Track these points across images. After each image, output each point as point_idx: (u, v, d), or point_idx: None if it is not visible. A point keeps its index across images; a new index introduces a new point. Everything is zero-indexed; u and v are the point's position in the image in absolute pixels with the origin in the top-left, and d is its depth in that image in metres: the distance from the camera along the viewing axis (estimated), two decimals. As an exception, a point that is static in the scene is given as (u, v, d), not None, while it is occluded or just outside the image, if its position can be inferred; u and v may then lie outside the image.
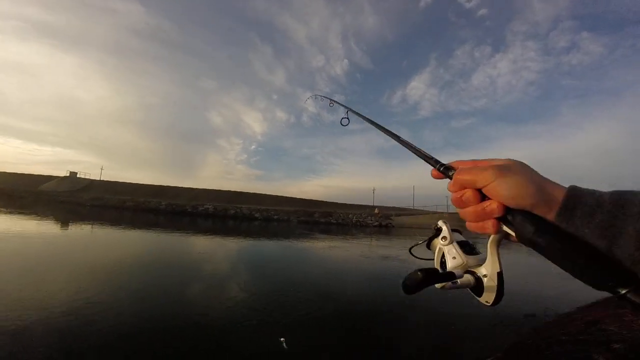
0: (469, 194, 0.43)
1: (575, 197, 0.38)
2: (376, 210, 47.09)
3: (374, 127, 0.82)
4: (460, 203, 0.45)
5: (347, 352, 3.97)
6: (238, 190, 64.41)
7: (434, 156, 0.53)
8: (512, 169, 0.41)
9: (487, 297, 0.48)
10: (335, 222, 36.14)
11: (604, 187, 0.40)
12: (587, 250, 0.36)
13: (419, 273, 0.48)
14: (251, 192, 64.55)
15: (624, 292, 0.33)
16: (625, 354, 3.00)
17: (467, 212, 0.44)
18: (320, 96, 1.75)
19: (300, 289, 6.66)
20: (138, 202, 42.75)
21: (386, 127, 0.76)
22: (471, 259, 0.52)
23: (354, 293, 6.69)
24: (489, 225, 0.43)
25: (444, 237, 0.55)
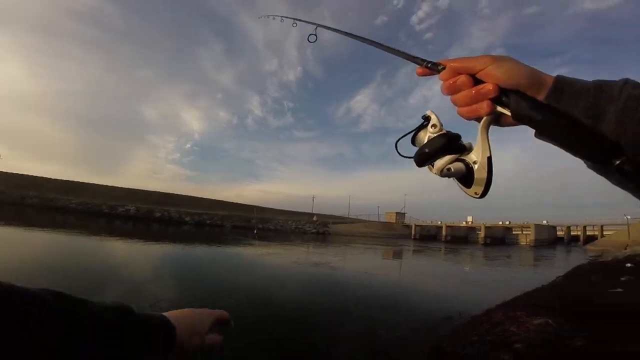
0: (463, 79, 0.46)
1: (564, 82, 0.43)
2: (314, 218, 47.93)
3: (345, 44, 0.73)
4: (454, 89, 0.47)
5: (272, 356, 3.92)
6: (168, 191, 59.41)
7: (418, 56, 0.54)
8: (505, 57, 0.46)
9: (476, 189, 0.48)
10: (273, 228, 35.56)
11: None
12: (580, 126, 0.40)
13: (440, 138, 0.48)
14: (183, 194, 60.10)
15: (617, 162, 0.37)
16: (525, 353, 3.36)
17: (460, 96, 0.47)
18: (281, 17, 1.54)
19: (230, 294, 6.25)
20: (44, 198, 36.71)
21: (362, 36, 0.75)
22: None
23: (284, 299, 6.51)
24: (484, 106, 0.45)
25: (434, 125, 0.50)
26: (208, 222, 34.42)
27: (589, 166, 0.42)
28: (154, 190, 57.88)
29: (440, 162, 0.48)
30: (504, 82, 0.44)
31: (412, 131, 0.52)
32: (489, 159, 0.47)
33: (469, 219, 47.36)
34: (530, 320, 4.53)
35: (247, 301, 6.01)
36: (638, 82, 0.40)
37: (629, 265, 7.78)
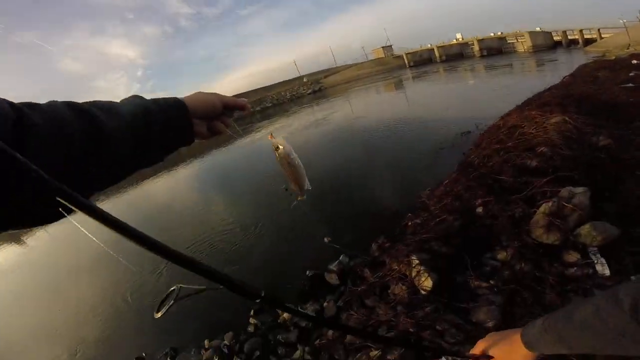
0: None
1: (524, 335, 0.65)
2: (305, 80, 45.89)
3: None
4: None
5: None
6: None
7: None
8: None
9: None
10: (270, 104, 34.65)
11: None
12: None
13: None
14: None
15: None
16: (551, 156, 3.56)
17: None
18: None
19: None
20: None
21: None
22: None
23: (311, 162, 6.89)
24: None
25: None
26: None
27: None
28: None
29: None
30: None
31: None
32: None
33: (458, 35, 43.78)
34: (547, 120, 4.69)
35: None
36: (548, 325, 0.60)
37: (634, 62, 7.43)
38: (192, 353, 2.92)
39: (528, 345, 0.63)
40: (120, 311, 4.26)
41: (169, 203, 8.37)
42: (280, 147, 0.65)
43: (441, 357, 1.00)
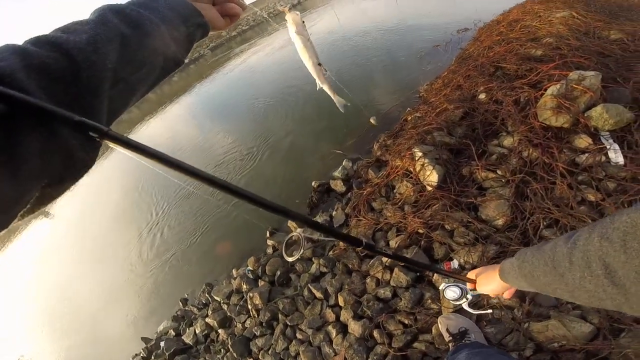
0: None
1: (502, 270, 0.71)
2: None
3: None
4: None
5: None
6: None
7: None
8: (484, 279, 0.83)
9: None
10: (247, 27, 30.92)
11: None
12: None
13: None
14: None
15: None
16: (557, 46, 3.29)
17: None
18: None
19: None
20: None
21: None
22: None
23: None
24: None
25: None
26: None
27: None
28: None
29: None
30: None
31: None
32: None
33: None
34: (551, 14, 4.31)
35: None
36: (524, 251, 0.62)
37: None
38: (224, 284, 3.08)
39: (501, 274, 0.66)
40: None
41: (171, 141, 7.94)
42: (297, 23, 0.62)
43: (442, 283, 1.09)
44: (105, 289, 4.56)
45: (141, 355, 3.12)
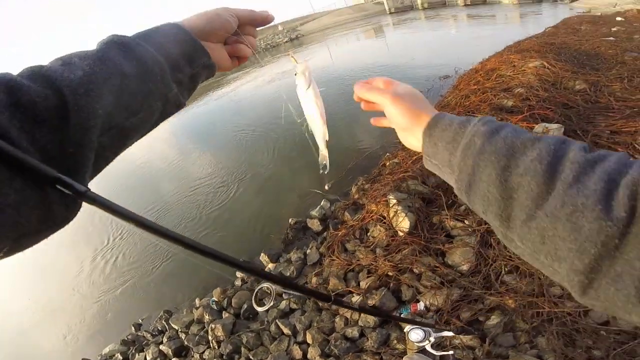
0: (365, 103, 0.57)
1: (437, 119, 0.45)
2: (280, 27, 42.89)
3: None
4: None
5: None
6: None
7: None
8: (397, 99, 0.50)
9: None
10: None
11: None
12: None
13: None
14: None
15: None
16: (527, 97, 3.58)
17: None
18: None
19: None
20: None
21: None
22: None
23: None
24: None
25: None
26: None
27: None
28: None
29: None
30: (390, 124, 0.54)
31: None
32: None
33: (443, -17, 41.41)
34: (525, 64, 4.65)
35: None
36: (491, 119, 0.41)
37: (619, 19, 7.34)
38: (184, 313, 2.97)
39: (424, 136, 0.45)
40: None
41: (147, 162, 7.89)
42: (305, 73, 0.55)
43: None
44: (44, 306, 4.19)
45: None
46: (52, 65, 0.34)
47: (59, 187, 0.28)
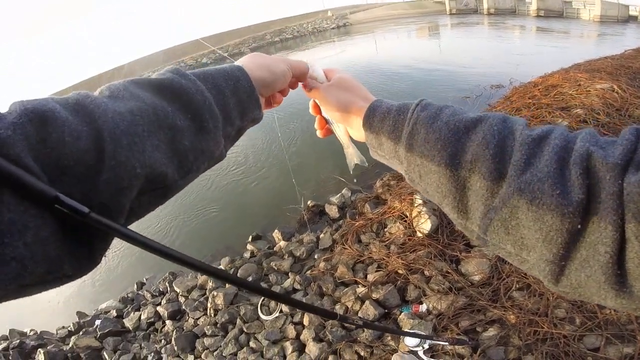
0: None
1: (375, 107, 0.43)
2: (329, 14, 42.47)
3: None
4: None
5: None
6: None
7: None
8: (331, 89, 0.48)
9: None
10: (291, 36, 32.42)
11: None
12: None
13: None
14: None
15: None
16: (585, 119, 3.28)
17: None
18: None
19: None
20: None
21: None
22: None
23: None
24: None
25: None
26: (226, 54, 31.64)
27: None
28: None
29: None
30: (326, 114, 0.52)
31: None
32: None
33: (517, -12, 38.42)
34: (592, 85, 4.25)
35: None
36: (428, 102, 0.39)
37: None
38: (189, 277, 3.00)
39: (365, 127, 0.43)
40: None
41: None
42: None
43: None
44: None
45: (69, 328, 2.93)
46: (99, 95, 0.30)
47: (57, 206, 0.23)
